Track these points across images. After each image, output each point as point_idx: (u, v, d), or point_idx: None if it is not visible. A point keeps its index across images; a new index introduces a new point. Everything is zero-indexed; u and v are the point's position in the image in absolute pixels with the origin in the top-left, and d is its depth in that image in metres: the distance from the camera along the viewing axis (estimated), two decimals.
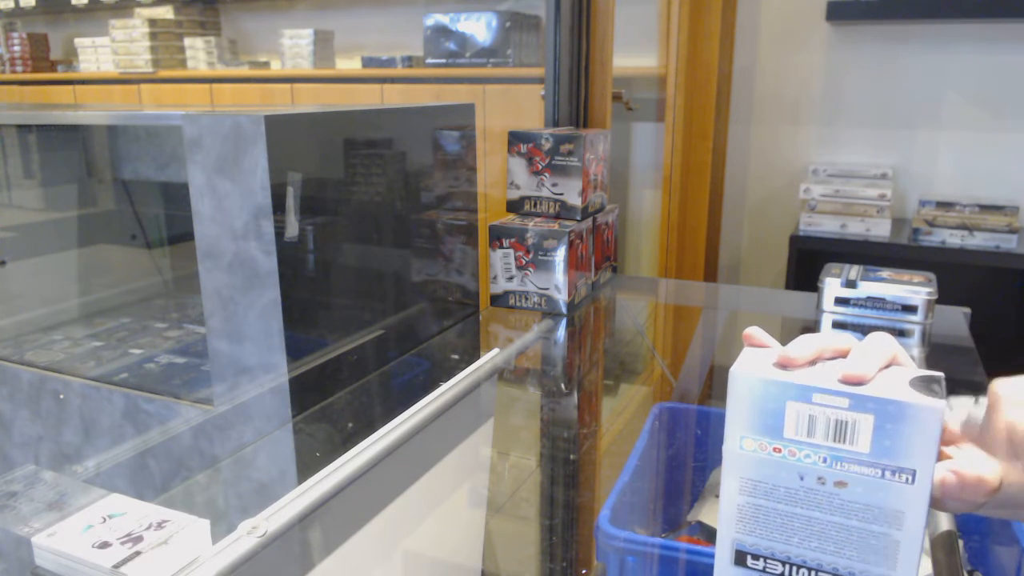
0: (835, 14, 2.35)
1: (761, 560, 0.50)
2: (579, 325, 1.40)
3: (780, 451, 0.48)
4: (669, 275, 2.49)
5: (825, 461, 0.47)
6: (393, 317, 1.24)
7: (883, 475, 0.46)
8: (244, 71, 3.30)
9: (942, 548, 0.64)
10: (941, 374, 0.47)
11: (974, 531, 0.82)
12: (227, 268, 1.03)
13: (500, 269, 1.39)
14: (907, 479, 0.45)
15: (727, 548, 0.51)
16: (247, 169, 0.97)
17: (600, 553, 0.77)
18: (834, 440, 0.46)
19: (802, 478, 0.48)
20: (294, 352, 1.03)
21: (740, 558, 0.51)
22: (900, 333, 1.30)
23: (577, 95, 1.62)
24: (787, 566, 0.49)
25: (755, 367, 0.49)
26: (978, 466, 0.48)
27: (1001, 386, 0.50)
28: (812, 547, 0.49)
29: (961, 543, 0.71)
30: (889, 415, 0.45)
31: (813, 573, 0.49)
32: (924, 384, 0.46)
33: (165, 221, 1.81)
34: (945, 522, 0.68)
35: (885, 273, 1.38)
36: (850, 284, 1.34)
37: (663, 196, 2.49)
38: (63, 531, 0.59)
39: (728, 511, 0.50)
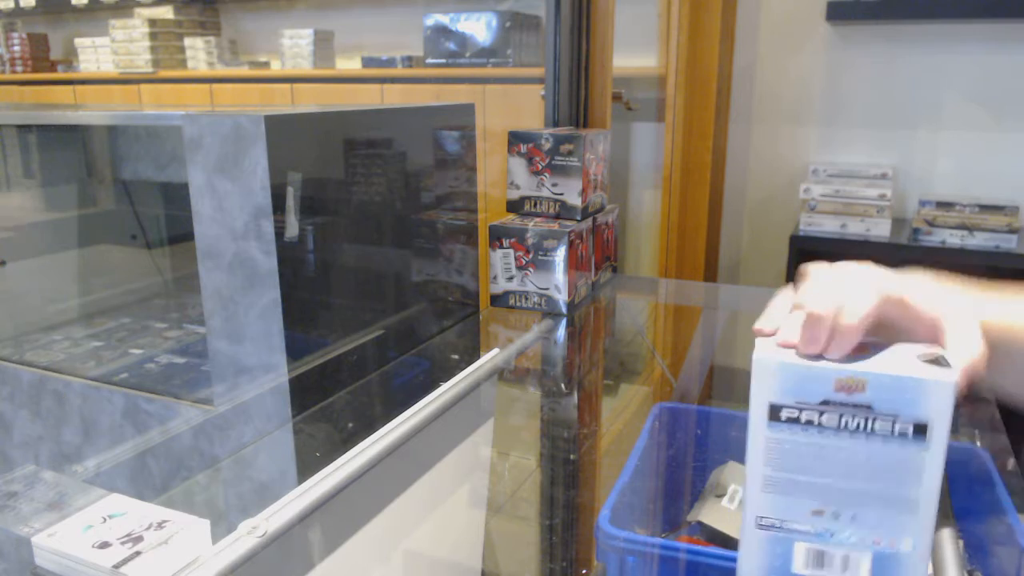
0: (835, 14, 2.35)
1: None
2: (579, 325, 1.40)
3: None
4: (669, 275, 2.49)
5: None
6: (393, 317, 1.24)
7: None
8: (244, 71, 3.30)
9: (941, 545, 0.64)
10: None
11: (974, 531, 0.82)
12: (227, 268, 1.03)
13: (500, 269, 1.39)
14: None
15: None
16: (247, 169, 0.97)
17: (600, 553, 0.77)
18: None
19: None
20: (294, 352, 1.03)
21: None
22: None
23: (577, 95, 1.62)
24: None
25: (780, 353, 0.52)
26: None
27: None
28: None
29: (961, 543, 0.71)
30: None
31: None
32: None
33: (165, 221, 1.81)
34: (944, 521, 0.68)
35: None
36: None
37: (663, 196, 2.49)
38: (63, 531, 0.59)
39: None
